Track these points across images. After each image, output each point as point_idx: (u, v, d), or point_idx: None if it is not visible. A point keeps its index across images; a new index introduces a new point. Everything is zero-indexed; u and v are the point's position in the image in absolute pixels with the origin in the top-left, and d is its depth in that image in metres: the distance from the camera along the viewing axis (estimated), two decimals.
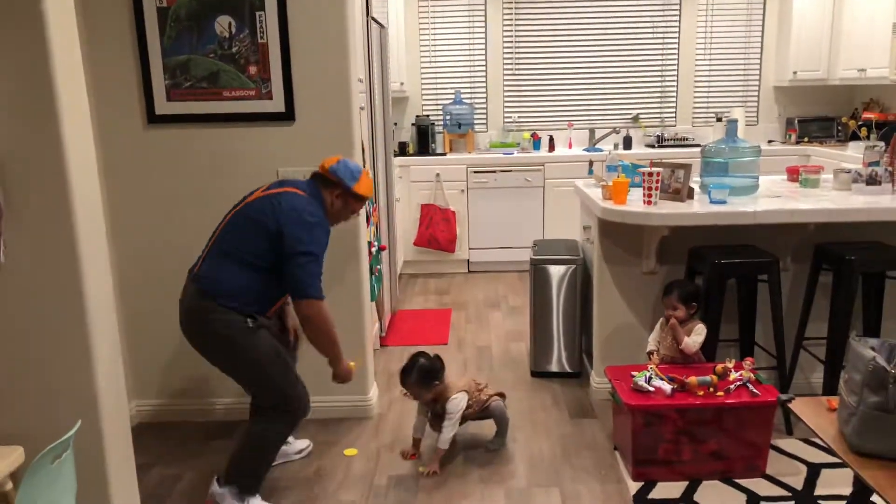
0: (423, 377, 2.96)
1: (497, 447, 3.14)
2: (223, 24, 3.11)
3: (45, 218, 2.09)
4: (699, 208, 3.16)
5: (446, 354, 4.26)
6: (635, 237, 3.41)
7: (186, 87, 3.15)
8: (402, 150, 6.19)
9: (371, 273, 3.79)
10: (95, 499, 2.29)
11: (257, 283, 2.59)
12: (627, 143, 6.27)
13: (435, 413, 3.03)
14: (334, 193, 2.70)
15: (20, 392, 2.20)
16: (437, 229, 5.91)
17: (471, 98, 6.44)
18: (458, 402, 2.97)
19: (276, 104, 3.15)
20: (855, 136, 5.79)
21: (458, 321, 4.91)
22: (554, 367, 3.89)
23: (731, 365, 2.95)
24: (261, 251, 2.57)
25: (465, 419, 3.05)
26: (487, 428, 3.21)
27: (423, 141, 6.14)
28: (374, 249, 3.88)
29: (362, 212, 3.33)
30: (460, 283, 5.89)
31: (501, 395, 3.19)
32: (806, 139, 6.16)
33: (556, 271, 3.78)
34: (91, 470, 2.26)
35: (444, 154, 6.17)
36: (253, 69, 3.14)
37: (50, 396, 2.20)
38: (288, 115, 3.16)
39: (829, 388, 3.12)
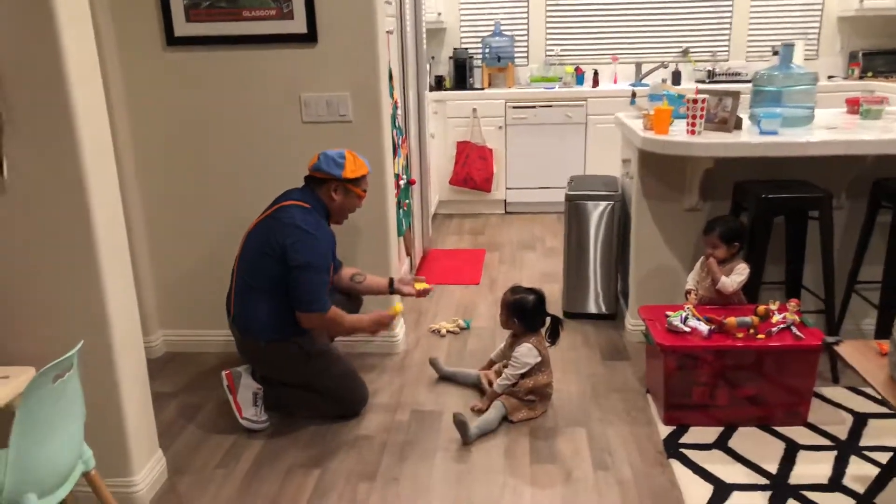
0: (515, 306, 2.89)
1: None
2: None
3: (48, 133, 2.01)
4: (747, 138, 2.93)
5: (478, 295, 4.20)
6: (677, 170, 3.20)
7: (205, 6, 3.02)
8: (439, 84, 5.99)
9: (399, 207, 3.67)
10: (108, 425, 2.27)
11: (290, 307, 2.67)
12: (676, 78, 5.96)
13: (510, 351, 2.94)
14: (330, 188, 2.74)
15: (30, 312, 2.17)
16: (473, 168, 5.74)
17: (511, 30, 6.17)
18: (524, 351, 2.83)
19: (298, 24, 3.00)
20: None
21: (492, 262, 4.78)
22: (589, 309, 3.75)
23: (774, 307, 2.77)
24: (278, 275, 2.63)
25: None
26: None
27: (461, 75, 5.93)
28: (402, 182, 3.75)
29: (388, 144, 3.20)
30: (496, 223, 5.74)
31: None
32: (870, 74, 5.75)
33: (592, 208, 3.60)
34: (103, 396, 2.24)
35: (482, 89, 5.95)
36: None
37: (60, 317, 2.16)
38: (310, 37, 3.01)
39: (882, 334, 2.93)
